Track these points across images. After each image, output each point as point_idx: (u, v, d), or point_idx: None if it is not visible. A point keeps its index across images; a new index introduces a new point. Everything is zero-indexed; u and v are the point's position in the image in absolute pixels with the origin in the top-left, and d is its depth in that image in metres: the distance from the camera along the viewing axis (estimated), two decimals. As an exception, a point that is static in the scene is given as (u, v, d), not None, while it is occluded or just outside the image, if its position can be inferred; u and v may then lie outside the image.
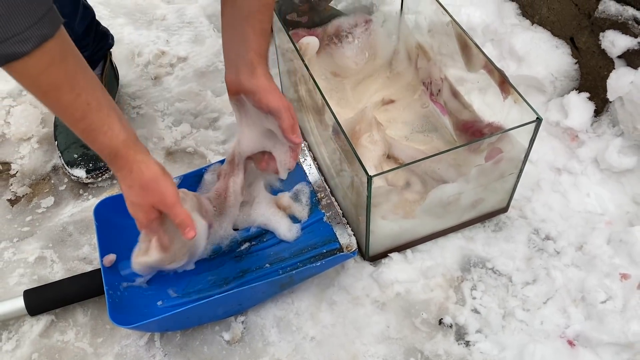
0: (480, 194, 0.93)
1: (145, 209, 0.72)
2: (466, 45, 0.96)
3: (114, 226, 0.91)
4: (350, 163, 0.86)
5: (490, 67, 0.91)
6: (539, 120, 0.82)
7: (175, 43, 1.34)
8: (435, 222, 0.95)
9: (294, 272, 0.82)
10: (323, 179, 0.98)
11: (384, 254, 0.95)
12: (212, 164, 0.96)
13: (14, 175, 1.08)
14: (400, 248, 0.96)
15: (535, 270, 0.93)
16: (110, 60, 1.14)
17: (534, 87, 1.13)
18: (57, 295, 0.86)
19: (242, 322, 0.88)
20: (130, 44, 1.33)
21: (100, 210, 0.91)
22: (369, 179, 0.77)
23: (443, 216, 0.94)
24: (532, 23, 1.16)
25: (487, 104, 0.97)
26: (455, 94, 1.05)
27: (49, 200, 1.04)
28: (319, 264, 0.83)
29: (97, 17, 1.10)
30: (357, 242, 0.93)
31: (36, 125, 1.15)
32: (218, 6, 1.44)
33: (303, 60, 0.93)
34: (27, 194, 1.05)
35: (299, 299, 0.90)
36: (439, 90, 1.10)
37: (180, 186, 0.95)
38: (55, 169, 1.09)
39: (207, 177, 0.95)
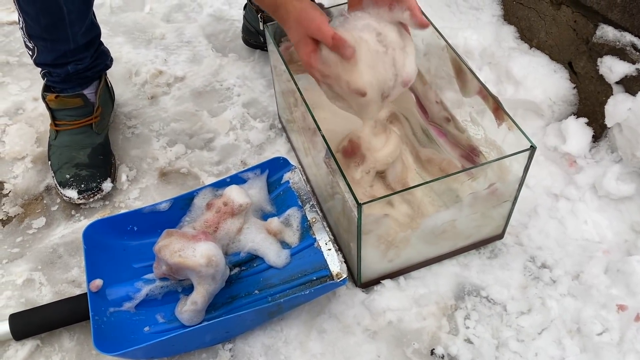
0: (475, 221, 0.91)
1: (303, 41, 0.77)
2: (461, 70, 0.95)
3: (103, 249, 0.90)
4: (342, 188, 0.85)
5: (485, 93, 0.90)
6: (532, 148, 0.81)
7: (173, 62, 1.34)
8: (429, 249, 0.94)
9: (282, 300, 0.81)
10: (316, 201, 0.96)
11: (377, 281, 0.94)
12: (202, 188, 0.95)
13: (7, 195, 1.08)
14: (393, 275, 0.94)
15: (530, 299, 0.91)
16: (106, 81, 1.14)
17: (532, 111, 1.11)
18: (42, 320, 0.85)
19: (230, 349, 0.86)
20: (128, 62, 1.33)
21: (90, 233, 0.90)
22: (359, 206, 0.76)
23: (437, 243, 0.93)
24: (530, 47, 1.15)
25: (482, 130, 0.95)
26: (450, 118, 1.04)
27: (41, 221, 1.03)
28: (307, 292, 0.81)
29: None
30: (349, 269, 0.92)
31: (31, 144, 1.15)
32: (217, 26, 1.46)
33: (296, 84, 0.92)
34: (19, 214, 1.05)
35: (288, 326, 0.89)
36: (435, 114, 1.09)
37: (171, 209, 0.95)
38: (48, 189, 1.09)
39: (197, 201, 0.94)
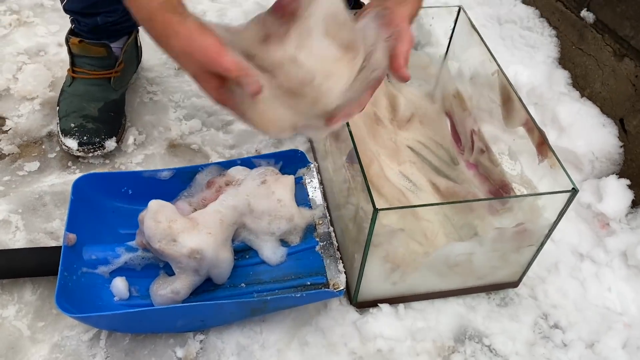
0: (493, 261, 0.84)
1: (202, 77, 0.58)
2: (508, 98, 0.88)
3: (91, 205, 0.83)
4: (358, 193, 0.78)
5: (531, 125, 0.83)
6: (574, 191, 0.73)
7: (209, 40, 1.29)
8: (438, 281, 0.85)
9: (268, 297, 0.73)
10: (326, 205, 0.89)
11: (374, 303, 0.85)
12: (208, 165, 0.88)
13: (6, 132, 1.02)
14: (393, 300, 0.86)
15: (536, 358, 0.82)
16: (136, 39, 1.09)
17: (571, 163, 1.04)
18: (8, 264, 0.78)
19: (201, 341, 0.78)
20: (163, 30, 1.28)
21: (81, 185, 0.83)
22: (375, 212, 0.68)
23: (447, 276, 0.85)
24: (582, 95, 1.08)
25: (519, 165, 0.88)
26: (485, 149, 0.97)
27: (34, 165, 0.97)
28: (298, 295, 0.73)
29: None
30: (347, 283, 0.84)
31: (44, 87, 1.09)
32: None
33: None
34: (13, 153, 0.98)
35: (269, 330, 0.80)
36: (469, 144, 1.02)
37: (172, 180, 0.88)
38: (50, 135, 1.03)
39: (199, 177, 0.87)
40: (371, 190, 0.70)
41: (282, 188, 0.82)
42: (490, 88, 0.94)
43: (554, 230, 0.80)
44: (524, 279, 0.91)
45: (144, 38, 1.23)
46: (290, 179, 0.85)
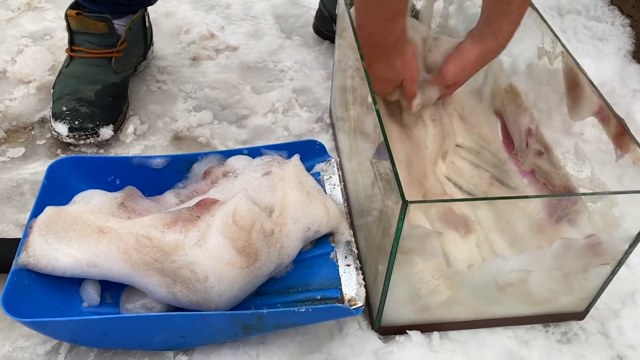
0: (554, 282, 0.66)
1: (389, 81, 0.77)
2: (576, 84, 0.72)
3: (66, 193, 0.70)
4: (385, 191, 0.62)
5: (606, 113, 0.66)
6: (668, 191, 0.56)
7: (231, 32, 1.18)
8: (481, 306, 0.68)
9: (265, 311, 0.57)
10: (347, 207, 0.74)
11: (401, 329, 0.69)
12: (209, 153, 0.75)
13: (-5, 115, 0.91)
14: (426, 327, 0.69)
15: (610, 413, 0.64)
16: (144, 18, 0.98)
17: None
18: (-40, 256, 0.65)
19: (183, 363, 0.63)
20: (181, 20, 1.18)
21: (57, 169, 0.71)
22: (405, 205, 0.52)
23: (496, 300, 0.67)
24: (662, 94, 0.91)
25: (589, 166, 0.71)
26: (544, 150, 0.80)
27: (18, 151, 0.85)
28: (302, 310, 0.57)
29: None
30: (369, 304, 0.68)
31: (43, 70, 0.99)
32: (290, 9, 1.29)
33: (369, 82, 0.70)
34: (-2, 138, 0.87)
35: (268, 355, 0.64)
36: (523, 145, 0.85)
37: (166, 168, 0.75)
38: (43, 121, 0.91)
39: (197, 167, 0.73)
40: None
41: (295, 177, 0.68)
42: (551, 76, 0.78)
43: (630, 256, 0.63)
44: (592, 311, 0.73)
45: (159, 25, 1.13)
46: (293, 160, 0.70)
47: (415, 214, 0.56)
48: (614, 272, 0.66)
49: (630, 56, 0.96)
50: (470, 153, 0.91)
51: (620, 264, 0.65)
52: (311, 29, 1.21)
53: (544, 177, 0.80)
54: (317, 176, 0.76)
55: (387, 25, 0.69)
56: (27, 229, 0.63)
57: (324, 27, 1.16)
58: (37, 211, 0.65)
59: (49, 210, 0.63)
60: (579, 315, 0.72)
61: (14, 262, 0.60)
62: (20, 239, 0.64)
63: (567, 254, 0.62)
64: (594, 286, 0.68)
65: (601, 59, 0.93)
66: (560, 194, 0.70)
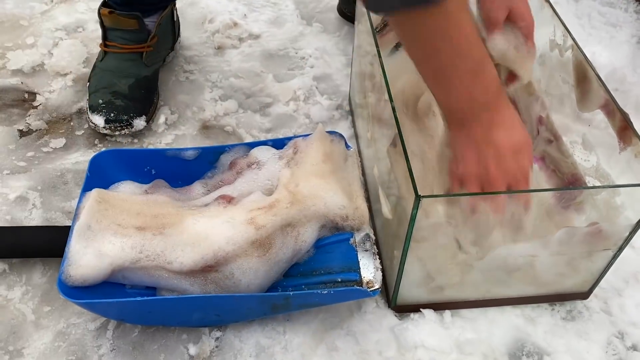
0: (560, 267, 0.71)
1: (498, 183, 0.55)
2: (584, 77, 0.75)
3: (108, 183, 0.77)
4: (400, 181, 0.67)
5: (611, 107, 0.70)
6: (666, 184, 0.60)
7: (253, 19, 1.22)
8: (493, 287, 0.74)
9: (291, 293, 0.64)
10: (365, 191, 0.79)
11: (416, 308, 0.74)
12: (236, 145, 0.80)
13: (36, 107, 0.97)
14: (438, 306, 0.75)
15: (609, 385, 0.69)
16: (172, 12, 1.02)
17: (657, 158, 0.89)
18: (17, 242, 0.72)
19: (217, 338, 0.70)
20: (205, 8, 1.22)
21: (99, 161, 0.77)
22: (418, 199, 0.58)
23: (504, 282, 0.73)
24: (672, 81, 0.93)
25: (595, 156, 0.75)
26: (554, 139, 0.84)
27: (60, 142, 0.92)
28: (325, 292, 0.64)
29: None
30: (385, 284, 0.74)
31: (78, 62, 1.05)
32: (308, -6, 1.32)
33: (384, 71, 0.74)
34: (40, 129, 0.94)
35: (294, 331, 0.71)
36: (534, 132, 0.89)
37: (198, 159, 0.81)
38: (80, 112, 0.98)
39: (224, 158, 0.79)
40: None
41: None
42: (562, 68, 0.81)
43: (635, 236, 0.67)
44: (596, 290, 0.78)
45: (184, 15, 1.18)
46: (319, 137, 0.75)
47: (430, 205, 0.61)
48: (615, 256, 0.70)
49: (643, 43, 0.98)
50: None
51: (621, 249, 0.69)
52: (331, 15, 1.25)
53: (553, 164, 0.84)
54: (337, 166, 0.81)
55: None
56: (75, 216, 0.70)
57: (348, 9, 1.20)
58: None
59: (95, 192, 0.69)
60: (583, 295, 0.77)
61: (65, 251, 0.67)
62: (69, 226, 0.70)
63: (571, 241, 0.67)
64: (596, 269, 0.73)
65: (614, 46, 0.96)
66: (567, 187, 0.74)
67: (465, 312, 0.75)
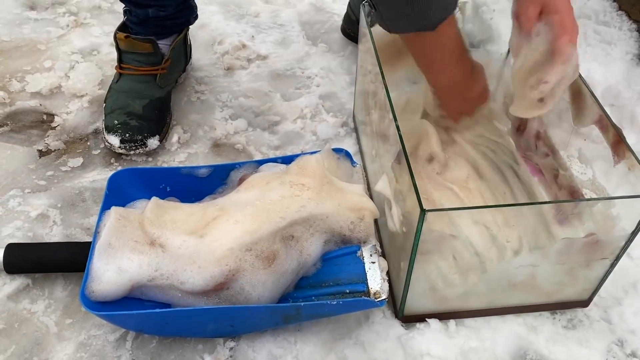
0: (560, 277, 0.74)
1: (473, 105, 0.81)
2: (579, 93, 0.79)
3: (126, 201, 0.80)
4: (405, 195, 0.70)
5: (605, 122, 0.73)
6: (657, 196, 0.63)
7: (260, 40, 1.26)
8: (494, 297, 0.77)
9: (302, 304, 0.67)
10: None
11: (421, 317, 0.77)
12: (246, 162, 0.84)
13: (54, 128, 1.02)
14: (443, 316, 0.78)
15: (609, 391, 0.72)
16: (186, 37, 1.07)
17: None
18: (40, 258, 0.76)
19: (231, 348, 0.73)
20: (214, 31, 1.26)
21: (117, 179, 0.81)
22: (422, 213, 0.61)
23: (506, 292, 0.76)
24: (666, 96, 0.97)
25: (591, 170, 0.78)
26: (551, 153, 0.87)
27: (77, 161, 0.96)
28: (334, 303, 0.67)
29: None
30: (393, 296, 0.77)
31: (94, 84, 1.09)
32: (315, 15, 1.37)
33: (386, 87, 0.78)
34: (59, 149, 0.98)
35: (304, 341, 0.74)
36: (533, 147, 0.92)
37: (210, 177, 0.85)
38: (96, 132, 1.02)
39: (234, 174, 0.83)
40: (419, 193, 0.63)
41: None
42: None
43: (632, 243, 0.70)
44: (596, 300, 0.80)
45: (195, 37, 1.22)
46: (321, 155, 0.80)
47: (433, 216, 0.64)
48: (612, 265, 0.73)
49: (636, 59, 1.01)
50: (485, 148, 0.98)
51: (618, 258, 0.72)
52: (335, 35, 1.29)
53: (551, 177, 0.87)
54: (344, 181, 0.84)
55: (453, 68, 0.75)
56: (96, 233, 0.73)
57: (352, 30, 1.24)
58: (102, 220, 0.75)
59: (114, 211, 0.73)
60: (584, 303, 0.80)
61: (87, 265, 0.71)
62: (90, 242, 0.74)
63: (569, 252, 0.70)
64: (595, 277, 0.76)
65: (609, 63, 0.99)
66: (564, 200, 0.77)
67: (469, 321, 0.78)
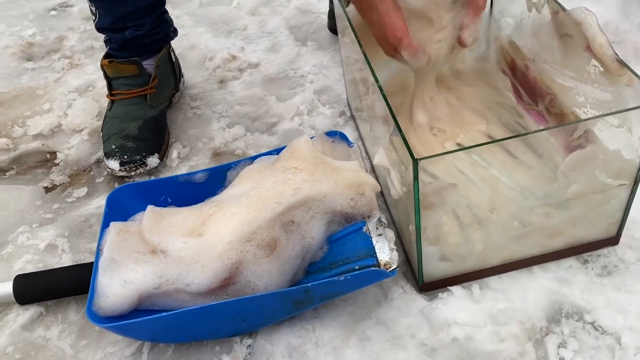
0: (577, 212, 0.69)
1: (387, 46, 0.77)
2: (560, 24, 0.75)
3: (127, 216, 0.80)
4: (401, 159, 0.68)
5: (592, 46, 0.69)
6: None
7: (250, 50, 1.26)
8: (512, 246, 0.72)
9: (309, 284, 0.64)
10: (380, 193, 0.80)
11: (442, 285, 0.74)
12: (241, 160, 0.82)
13: (57, 164, 1.03)
14: (464, 278, 0.74)
15: (657, 331, 0.66)
16: (169, 53, 1.08)
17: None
18: (48, 284, 0.75)
19: (249, 345, 0.70)
20: (204, 49, 1.27)
21: (115, 197, 0.80)
22: (415, 163, 0.58)
23: (524, 238, 0.71)
24: (668, 22, 0.92)
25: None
26: (552, 96, 0.83)
27: (82, 191, 0.96)
28: (342, 279, 0.64)
29: (178, 26, 1.09)
30: (410, 266, 0.74)
31: (91, 117, 1.11)
32: (302, 18, 1.36)
33: (373, 73, 0.76)
34: (64, 183, 0.99)
35: (323, 327, 0.71)
36: (536, 97, 0.88)
37: (208, 181, 0.83)
38: (98, 162, 1.02)
39: (230, 175, 0.81)
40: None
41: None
42: (543, 25, 0.81)
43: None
44: (629, 242, 0.75)
45: (186, 58, 1.23)
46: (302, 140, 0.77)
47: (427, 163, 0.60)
48: (633, 191, 0.68)
49: (630, -8, 0.97)
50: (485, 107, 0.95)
51: (637, 182, 0.67)
52: (324, 33, 1.29)
53: (556, 120, 0.83)
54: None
55: None
56: (98, 251, 0.73)
57: (336, 24, 1.23)
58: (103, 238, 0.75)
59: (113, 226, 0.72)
60: (613, 241, 0.75)
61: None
62: (93, 262, 0.73)
63: (574, 170, 0.65)
64: (617, 208, 0.71)
65: (603, 1, 0.95)
66: (560, 125, 0.73)
67: (493, 282, 0.74)
